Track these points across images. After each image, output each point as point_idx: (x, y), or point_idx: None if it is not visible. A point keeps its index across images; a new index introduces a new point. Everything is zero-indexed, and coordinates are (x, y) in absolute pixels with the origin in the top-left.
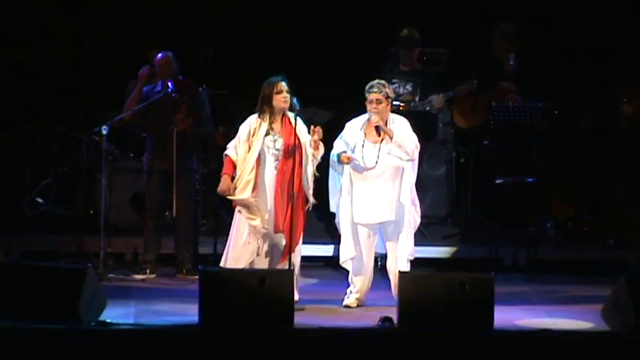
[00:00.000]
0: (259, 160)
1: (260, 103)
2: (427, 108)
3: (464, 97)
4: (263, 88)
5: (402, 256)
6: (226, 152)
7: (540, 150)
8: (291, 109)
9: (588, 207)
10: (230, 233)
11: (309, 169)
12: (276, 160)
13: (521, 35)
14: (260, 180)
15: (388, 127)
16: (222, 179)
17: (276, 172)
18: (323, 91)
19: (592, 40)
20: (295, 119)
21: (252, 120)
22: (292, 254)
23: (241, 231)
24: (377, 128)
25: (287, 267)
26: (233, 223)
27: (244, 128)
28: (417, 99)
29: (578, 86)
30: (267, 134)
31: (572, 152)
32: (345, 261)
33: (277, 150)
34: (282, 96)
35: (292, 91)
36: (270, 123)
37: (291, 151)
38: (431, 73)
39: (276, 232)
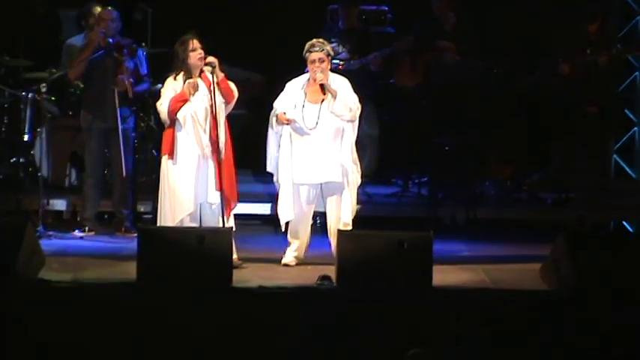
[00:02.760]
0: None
1: (174, 65)
2: (365, 66)
3: (403, 56)
4: (175, 49)
5: (344, 216)
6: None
7: (479, 109)
8: (207, 65)
9: (527, 166)
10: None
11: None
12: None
13: None
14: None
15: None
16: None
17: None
18: (259, 50)
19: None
20: (213, 75)
21: (173, 83)
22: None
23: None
24: (322, 87)
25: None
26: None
27: (169, 92)
28: (355, 58)
29: (518, 45)
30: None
31: (512, 111)
32: (284, 223)
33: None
34: (198, 53)
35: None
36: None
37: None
38: (371, 32)
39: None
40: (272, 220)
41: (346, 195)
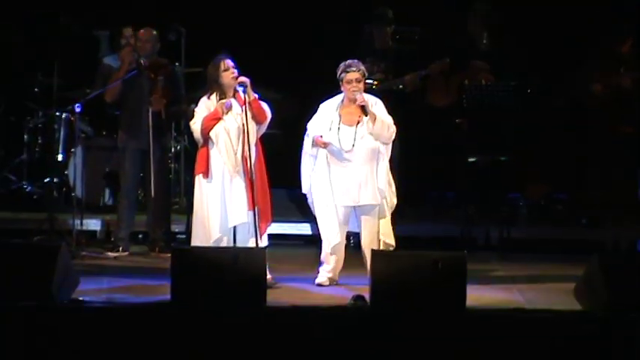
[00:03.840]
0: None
1: (208, 85)
2: (400, 87)
3: (437, 76)
4: (208, 70)
5: (387, 237)
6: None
7: (513, 129)
8: (239, 84)
9: (561, 186)
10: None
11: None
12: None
13: (496, 14)
14: (216, 160)
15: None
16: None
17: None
18: (295, 70)
19: (565, 19)
20: (245, 94)
21: (207, 102)
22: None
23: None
24: (362, 108)
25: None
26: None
27: (203, 111)
28: (390, 78)
29: (552, 65)
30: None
31: (546, 131)
32: (333, 246)
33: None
34: (230, 72)
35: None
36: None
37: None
38: (404, 51)
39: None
40: (309, 239)
41: (383, 216)
